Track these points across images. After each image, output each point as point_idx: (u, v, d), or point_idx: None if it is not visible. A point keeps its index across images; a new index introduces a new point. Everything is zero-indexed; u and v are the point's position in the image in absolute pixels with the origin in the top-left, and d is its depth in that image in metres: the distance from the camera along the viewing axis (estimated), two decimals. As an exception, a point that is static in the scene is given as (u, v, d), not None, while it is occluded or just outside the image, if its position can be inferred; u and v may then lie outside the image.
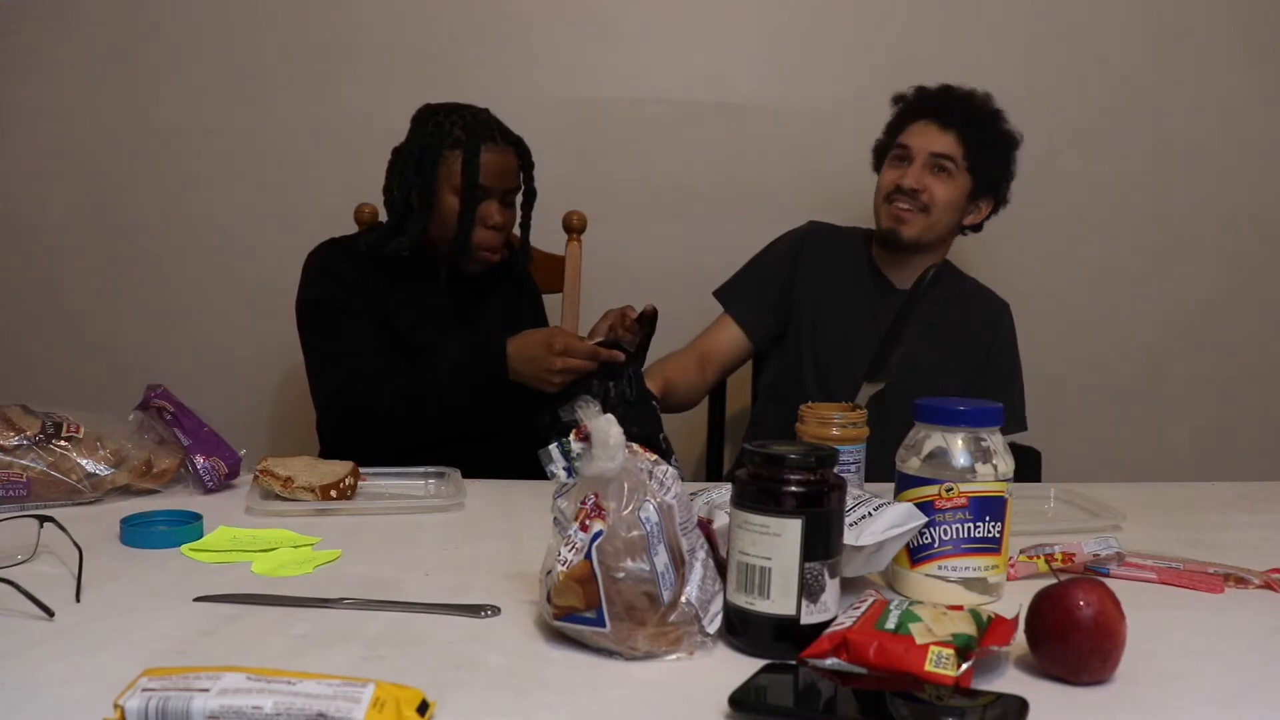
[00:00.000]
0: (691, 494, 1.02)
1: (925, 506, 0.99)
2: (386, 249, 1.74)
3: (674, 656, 0.86)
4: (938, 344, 1.86)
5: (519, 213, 1.83)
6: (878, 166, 1.96)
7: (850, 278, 1.95)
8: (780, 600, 0.86)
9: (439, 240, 1.75)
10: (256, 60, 2.37)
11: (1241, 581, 1.09)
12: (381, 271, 1.76)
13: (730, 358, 1.98)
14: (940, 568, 1.00)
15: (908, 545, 1.01)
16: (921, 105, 1.90)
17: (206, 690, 0.67)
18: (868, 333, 1.86)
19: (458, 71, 2.36)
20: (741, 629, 0.89)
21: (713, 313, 2.01)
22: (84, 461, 1.31)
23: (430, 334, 1.75)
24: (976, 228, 1.95)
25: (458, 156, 1.71)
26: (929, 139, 1.85)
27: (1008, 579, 1.04)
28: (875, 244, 1.95)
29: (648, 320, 1.64)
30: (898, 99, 1.95)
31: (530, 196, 1.82)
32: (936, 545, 1.00)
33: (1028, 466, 1.80)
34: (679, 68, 2.40)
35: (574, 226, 2.15)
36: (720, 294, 1.99)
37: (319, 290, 1.77)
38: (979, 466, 0.99)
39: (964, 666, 0.78)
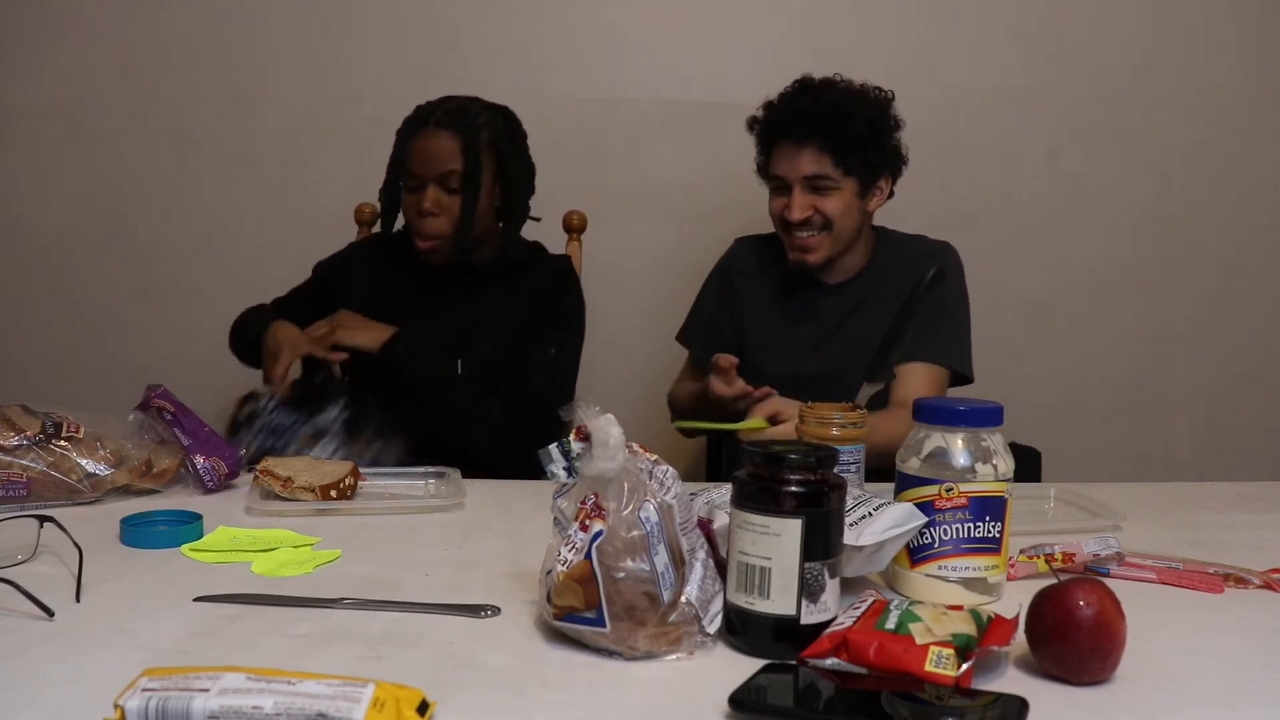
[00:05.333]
0: (691, 494, 1.02)
1: (925, 506, 0.99)
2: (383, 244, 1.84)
3: (674, 656, 0.86)
4: (880, 309, 1.78)
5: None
6: (764, 182, 1.91)
7: (784, 277, 1.92)
8: (780, 600, 0.86)
9: None
10: (257, 60, 2.37)
11: (1241, 581, 1.09)
12: (390, 261, 1.82)
13: None
14: (940, 568, 1.00)
15: (908, 545, 1.01)
16: (773, 126, 1.83)
17: (206, 690, 0.67)
18: (807, 325, 1.87)
19: (459, 71, 2.34)
20: (741, 629, 0.89)
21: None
22: (84, 461, 1.31)
23: (400, 316, 1.72)
24: (889, 195, 1.88)
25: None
26: (795, 164, 1.78)
27: (1008, 579, 1.04)
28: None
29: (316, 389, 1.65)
30: (751, 123, 1.88)
31: (470, 180, 1.69)
32: (936, 545, 1.00)
33: (1028, 466, 1.79)
34: (679, 68, 2.41)
35: (574, 226, 2.15)
36: (682, 339, 2.00)
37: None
38: (979, 466, 0.99)
39: (964, 666, 0.78)
